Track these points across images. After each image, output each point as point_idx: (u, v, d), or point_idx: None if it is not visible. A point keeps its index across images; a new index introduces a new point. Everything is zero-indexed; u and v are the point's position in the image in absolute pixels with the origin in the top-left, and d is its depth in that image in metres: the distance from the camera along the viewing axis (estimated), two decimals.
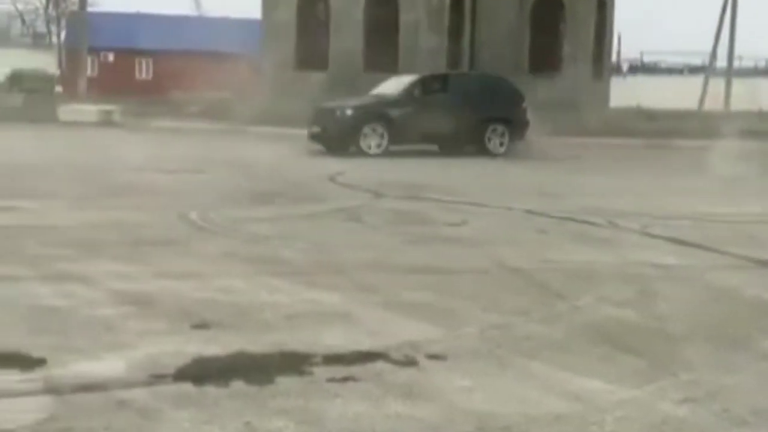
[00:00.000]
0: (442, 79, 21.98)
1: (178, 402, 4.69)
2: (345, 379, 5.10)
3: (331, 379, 5.09)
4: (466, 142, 20.79)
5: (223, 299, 6.79)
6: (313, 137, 20.38)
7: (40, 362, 5.18)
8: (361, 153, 19.45)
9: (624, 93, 32.88)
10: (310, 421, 4.53)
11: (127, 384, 4.90)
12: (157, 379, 4.99)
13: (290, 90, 25.45)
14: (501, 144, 20.95)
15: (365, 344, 5.71)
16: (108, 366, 5.18)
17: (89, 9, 39.39)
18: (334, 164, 17.12)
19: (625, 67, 69.86)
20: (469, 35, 27.39)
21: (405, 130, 19.84)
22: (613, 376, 5.29)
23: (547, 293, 7.31)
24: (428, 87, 21.13)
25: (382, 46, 26.21)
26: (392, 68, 26.11)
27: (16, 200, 11.09)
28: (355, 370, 5.26)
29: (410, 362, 5.44)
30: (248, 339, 5.76)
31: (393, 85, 21.37)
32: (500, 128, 20.92)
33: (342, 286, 7.29)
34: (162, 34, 43.56)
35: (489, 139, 20.82)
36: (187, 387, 4.91)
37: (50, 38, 48.14)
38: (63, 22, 46.52)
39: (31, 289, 6.88)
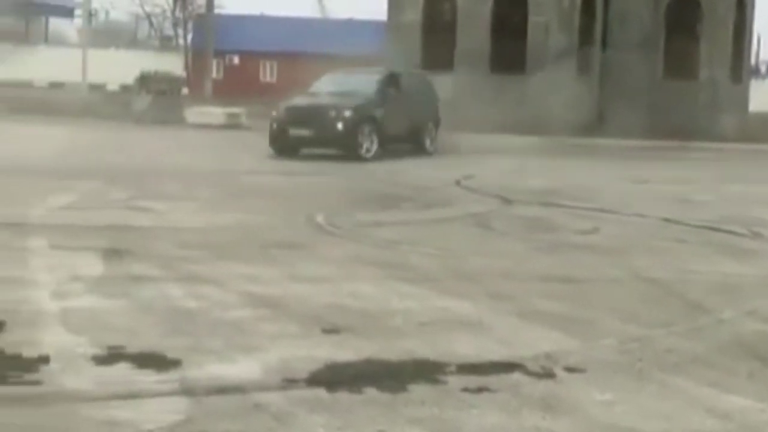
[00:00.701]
0: (396, 78, 20.88)
1: (313, 407, 4.73)
2: (480, 390, 5.06)
3: (466, 389, 5.06)
4: (413, 141, 20.32)
5: (353, 304, 6.82)
6: (291, 142, 18.84)
7: (175, 363, 5.29)
8: (358, 158, 18.33)
9: (764, 97, 31.97)
10: (446, 431, 4.51)
11: (262, 387, 4.96)
12: (290, 383, 5.04)
13: None
14: (431, 142, 20.77)
15: (499, 354, 5.66)
16: (242, 369, 5.26)
17: (216, 11, 40.24)
18: (447, 167, 17.06)
19: (763, 69, 67.84)
20: (600, 37, 27.00)
21: (386, 130, 19.09)
22: (764, 394, 5.12)
23: (688, 305, 7.13)
24: (392, 85, 20.31)
25: (510, 48, 26.05)
26: (519, 70, 25.98)
27: (148, 201, 11.38)
28: (490, 380, 5.21)
29: (547, 374, 5.36)
30: (379, 345, 5.77)
31: (353, 82, 20.06)
32: (431, 126, 20.89)
33: (473, 293, 7.25)
34: (286, 37, 44.20)
35: (425, 138, 20.59)
36: (321, 392, 4.94)
37: (177, 40, 49.38)
38: (189, 25, 47.67)
39: (165, 290, 7.04)
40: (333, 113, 18.58)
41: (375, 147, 18.77)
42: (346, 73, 20.83)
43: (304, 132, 18.63)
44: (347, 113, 18.57)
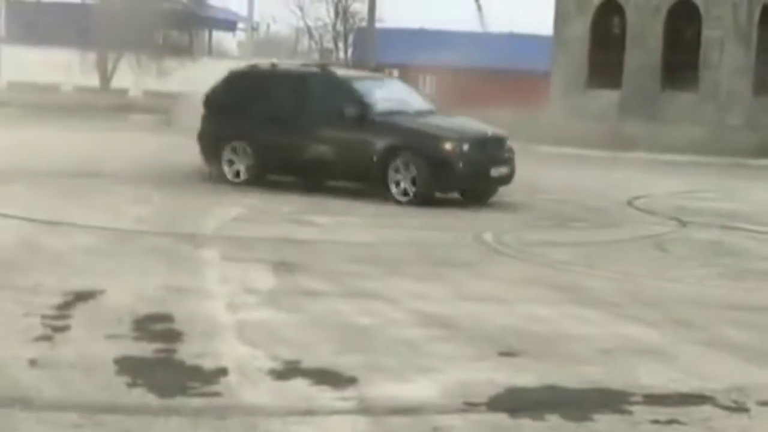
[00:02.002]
0: None
1: None
2: (670, 422, 4.91)
3: (655, 421, 4.92)
4: None
5: (529, 327, 6.73)
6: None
7: (351, 381, 5.31)
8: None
9: None
10: None
11: (441, 410, 4.93)
12: (470, 406, 4.99)
13: (581, 109, 25.16)
14: None
15: (688, 385, 5.49)
16: (420, 389, 5.24)
17: (376, 25, 40.69)
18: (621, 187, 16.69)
19: None
20: None
21: None
22: None
23: None
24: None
25: (682, 64, 25.42)
26: (692, 87, 25.31)
27: (312, 216, 11.52)
28: (679, 412, 5.06)
29: (740, 408, 5.17)
30: (560, 371, 5.67)
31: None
32: None
33: (655, 320, 7.05)
34: (446, 50, 44.29)
35: None
36: (503, 417, 4.88)
37: (337, 53, 50.14)
38: (350, 38, 48.34)
39: (335, 306, 7.10)
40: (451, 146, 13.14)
41: None
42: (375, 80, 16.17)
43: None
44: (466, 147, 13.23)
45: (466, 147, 13.00)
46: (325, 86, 14.09)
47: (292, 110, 13.70)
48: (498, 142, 13.57)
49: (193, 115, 14.65)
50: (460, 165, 12.83)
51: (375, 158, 12.85)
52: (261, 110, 13.91)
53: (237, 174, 13.73)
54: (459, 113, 15.67)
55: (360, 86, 14.05)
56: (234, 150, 13.79)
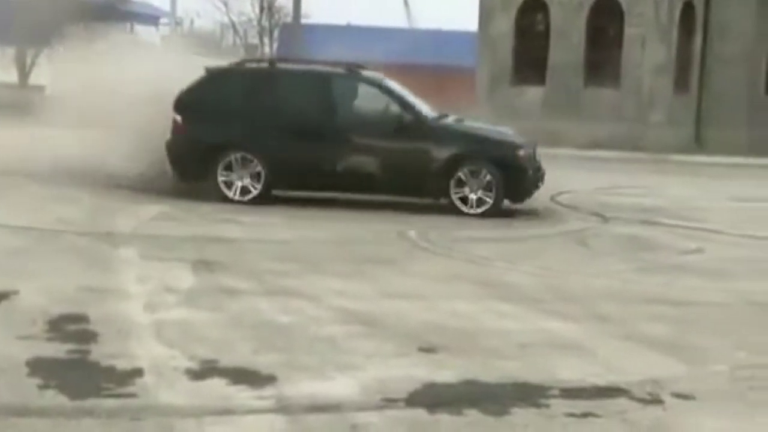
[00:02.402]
0: None
1: (412, 428, 4.69)
2: (585, 415, 4.97)
3: (571, 414, 4.98)
4: None
5: (450, 323, 6.77)
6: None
7: (269, 379, 5.29)
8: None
9: None
10: None
11: (360, 407, 4.94)
12: (389, 403, 5.01)
13: (506, 105, 25.36)
14: None
15: (604, 379, 5.56)
16: (339, 387, 5.24)
17: (301, 21, 40.59)
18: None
19: None
20: (700, 52, 26.55)
21: None
22: None
23: None
24: None
25: (605, 61, 25.75)
26: (614, 84, 25.67)
27: (234, 214, 11.45)
28: (595, 405, 5.12)
29: (655, 400, 5.25)
30: (479, 366, 5.71)
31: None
32: None
33: (574, 314, 7.14)
34: (372, 46, 44.28)
35: None
36: (421, 413, 4.90)
37: (262, 49, 49.87)
38: (275, 34, 48.13)
39: (256, 304, 7.07)
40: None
41: None
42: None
43: None
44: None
45: (531, 153, 12.59)
46: (356, 89, 12.80)
47: (314, 116, 12.26)
48: (535, 145, 13.08)
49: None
50: (530, 172, 12.35)
51: (434, 168, 11.95)
52: (268, 116, 12.26)
53: (243, 191, 12.10)
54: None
55: (397, 89, 12.90)
56: (236, 163, 12.11)
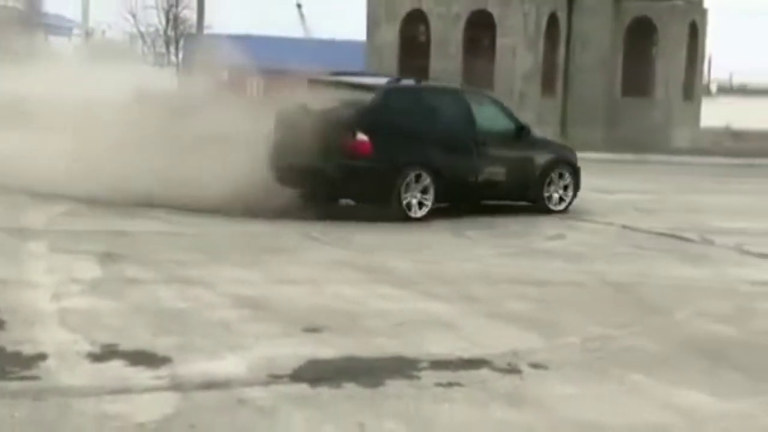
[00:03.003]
0: None
1: (295, 402, 4.71)
2: (451, 385, 5.06)
3: (439, 384, 5.05)
4: None
5: (334, 305, 6.79)
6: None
7: (165, 360, 5.25)
8: None
9: (714, 114, 32.12)
10: (422, 424, 4.49)
11: (247, 383, 4.94)
12: (274, 379, 5.02)
13: None
14: None
15: (469, 352, 5.66)
16: (229, 366, 5.22)
17: (206, 31, 40.13)
18: None
19: (714, 88, 68.38)
20: (564, 60, 27.07)
21: None
22: (715, 389, 5.14)
23: (645, 307, 7.15)
24: None
25: (480, 69, 26.05)
26: (488, 89, 25.97)
27: (142, 208, 11.26)
28: (460, 376, 5.21)
29: (513, 370, 5.37)
30: (358, 344, 5.75)
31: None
32: None
33: (447, 295, 7.23)
34: (272, 55, 43.98)
35: None
36: (303, 388, 4.92)
37: (169, 58, 49.20)
38: (181, 43, 47.56)
39: (156, 292, 6.99)
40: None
41: None
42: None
43: None
44: None
45: None
46: (480, 104, 12.62)
47: (459, 131, 11.85)
48: None
49: None
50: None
51: (537, 173, 12.27)
52: (428, 132, 11.57)
53: (418, 207, 11.16)
54: None
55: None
56: (411, 180, 11.13)
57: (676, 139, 26.39)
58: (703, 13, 29.07)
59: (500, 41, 25.91)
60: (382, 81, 12.77)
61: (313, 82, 12.25)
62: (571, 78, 26.95)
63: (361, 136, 11.02)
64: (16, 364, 5.08)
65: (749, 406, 4.90)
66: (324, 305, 6.76)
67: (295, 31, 52.76)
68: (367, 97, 11.60)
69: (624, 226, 11.36)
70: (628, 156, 23.42)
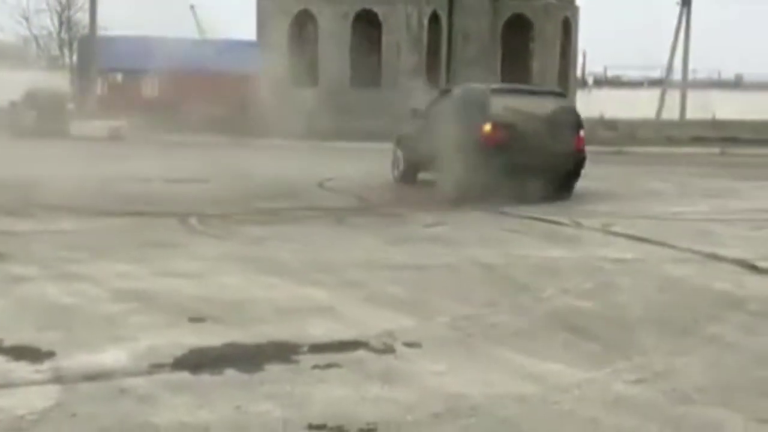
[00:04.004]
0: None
1: (176, 389, 4.70)
2: (329, 366, 5.11)
3: (316, 366, 5.11)
4: None
5: (219, 295, 6.78)
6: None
7: (49, 355, 5.18)
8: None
9: (589, 105, 32.95)
10: (296, 404, 4.54)
11: (129, 373, 4.91)
12: (156, 368, 5.00)
13: (286, 105, 25.42)
14: None
15: (347, 334, 5.73)
16: (111, 357, 5.18)
17: (101, 33, 39.31)
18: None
19: (590, 80, 70.07)
20: (446, 54, 27.45)
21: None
22: (574, 360, 5.32)
23: (514, 286, 7.34)
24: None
25: (367, 64, 26.23)
26: (376, 84, 26.18)
27: (27, 209, 11.05)
28: (338, 357, 5.27)
29: (388, 349, 5.45)
30: (240, 331, 5.76)
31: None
32: None
33: (328, 282, 7.29)
34: (167, 56, 43.30)
35: None
36: (184, 375, 4.91)
37: (63, 60, 48.06)
38: (75, 45, 46.48)
39: (42, 289, 6.86)
40: None
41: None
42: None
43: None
44: None
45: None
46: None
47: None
48: None
49: None
50: None
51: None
52: None
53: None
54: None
55: None
56: None
57: None
58: (575, 10, 29.86)
59: (385, 38, 26.15)
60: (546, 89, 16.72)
61: (497, 91, 13.94)
62: (453, 71, 27.34)
63: (582, 133, 13.43)
64: None
65: (603, 375, 5.08)
66: (208, 295, 6.74)
67: (191, 32, 51.94)
68: (558, 102, 13.91)
69: (501, 212, 11.60)
70: None
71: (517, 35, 27.63)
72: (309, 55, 26.61)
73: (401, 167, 15.46)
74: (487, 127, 12.78)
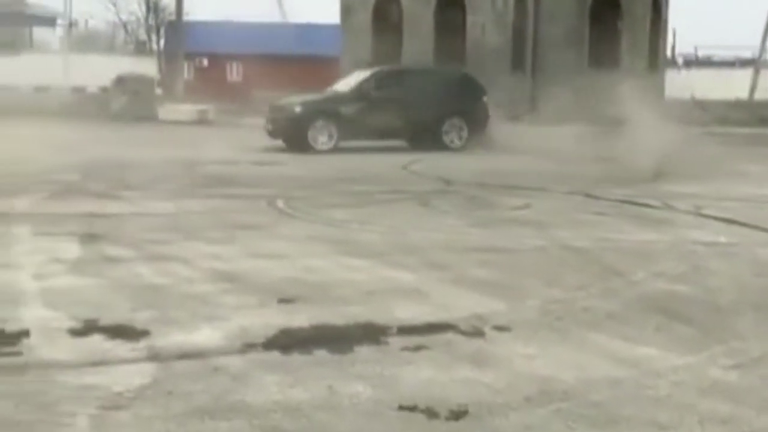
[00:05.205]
0: (397, 75, 20.69)
1: (267, 368, 4.76)
2: (417, 348, 5.12)
3: (405, 348, 5.12)
4: (422, 136, 19.46)
5: (306, 277, 6.85)
6: (269, 133, 19.49)
7: (144, 333, 5.30)
8: (310, 148, 18.47)
9: (679, 85, 32.27)
10: (386, 385, 4.56)
11: (222, 352, 4.99)
12: (248, 347, 5.07)
13: None
14: (459, 138, 19.69)
15: (435, 317, 5.72)
16: (205, 336, 5.27)
17: (185, 18, 39.92)
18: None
19: (680, 61, 68.49)
20: (532, 35, 27.13)
21: (355, 125, 18.71)
22: (668, 344, 5.23)
23: (605, 270, 7.24)
24: (382, 83, 19.78)
25: (451, 46, 26.10)
26: (461, 66, 26.01)
27: (120, 191, 11.32)
28: (426, 340, 5.28)
29: (477, 333, 5.44)
30: (329, 312, 5.81)
31: (349, 81, 20.36)
32: (458, 122, 19.71)
33: (414, 264, 7.30)
34: (250, 40, 43.91)
35: (446, 133, 19.57)
36: (275, 355, 4.98)
37: (150, 45, 48.96)
38: (162, 31, 47.31)
39: (135, 270, 7.03)
40: (288, 109, 19.06)
41: (334, 140, 18.66)
42: (358, 72, 20.85)
43: (270, 126, 19.38)
44: (297, 110, 18.89)
45: None
46: None
47: None
48: None
49: None
50: None
51: None
52: None
53: None
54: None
55: None
56: None
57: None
58: None
59: (470, 19, 25.96)
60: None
61: None
62: (539, 52, 27.02)
63: None
64: None
65: (699, 360, 4.99)
66: (296, 277, 6.81)
67: (274, 17, 52.46)
68: None
69: (587, 195, 11.45)
70: (596, 128, 23.48)
71: (605, 14, 27.15)
72: (393, 38, 26.59)
73: None
74: None
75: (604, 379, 4.68)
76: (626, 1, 27.26)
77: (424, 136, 19.41)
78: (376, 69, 20.96)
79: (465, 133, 19.74)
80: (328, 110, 18.94)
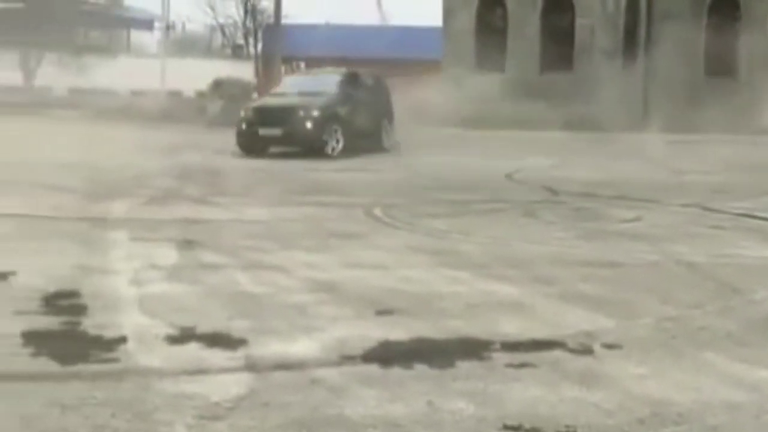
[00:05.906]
0: (356, 77, 20.87)
1: (366, 381, 4.79)
2: (523, 365, 5.08)
3: (510, 365, 5.08)
4: (368, 138, 19.70)
5: (405, 288, 6.86)
6: (260, 141, 18.75)
7: (241, 342, 5.39)
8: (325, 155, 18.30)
9: None
10: (489, 402, 4.54)
11: (320, 364, 5.03)
12: (346, 359, 5.10)
13: (469, 93, 25.46)
14: (387, 137, 20.43)
15: (541, 333, 5.67)
16: (302, 347, 5.33)
17: (282, 21, 40.52)
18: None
19: None
20: (644, 37, 26.70)
21: (349, 128, 18.89)
22: None
23: (721, 286, 7.07)
24: (353, 85, 20.23)
25: (558, 49, 25.89)
26: (567, 70, 25.80)
27: (216, 197, 11.54)
28: (532, 356, 5.23)
29: (586, 350, 5.36)
30: (429, 325, 5.81)
31: (316, 83, 20.34)
32: (386, 122, 20.56)
33: (518, 278, 7.25)
34: (349, 43, 44.35)
35: (382, 134, 20.19)
36: (374, 368, 5.00)
37: (248, 49, 49.82)
38: (259, 34, 48.10)
39: (232, 277, 7.15)
40: (302, 113, 18.58)
41: (341, 145, 18.77)
42: (308, 74, 21.55)
43: (274, 131, 18.60)
44: (315, 113, 18.60)
45: None
46: None
47: None
48: None
49: None
50: None
51: None
52: None
53: None
54: None
55: None
56: None
57: (763, 119, 25.87)
58: None
59: (579, 21, 25.71)
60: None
61: None
62: (652, 56, 26.57)
63: None
64: (97, 347, 5.26)
65: None
66: (395, 288, 6.84)
67: (373, 20, 52.81)
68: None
69: (703, 207, 11.20)
70: (712, 137, 23.02)
71: (721, 14, 26.55)
72: (496, 41, 26.53)
73: None
74: None
75: (721, 402, 4.57)
76: (745, 2, 26.61)
77: (369, 138, 19.76)
78: (338, 70, 21.46)
79: (391, 133, 20.72)
80: (337, 114, 18.98)
